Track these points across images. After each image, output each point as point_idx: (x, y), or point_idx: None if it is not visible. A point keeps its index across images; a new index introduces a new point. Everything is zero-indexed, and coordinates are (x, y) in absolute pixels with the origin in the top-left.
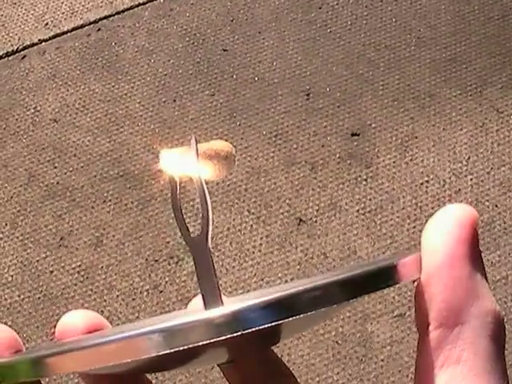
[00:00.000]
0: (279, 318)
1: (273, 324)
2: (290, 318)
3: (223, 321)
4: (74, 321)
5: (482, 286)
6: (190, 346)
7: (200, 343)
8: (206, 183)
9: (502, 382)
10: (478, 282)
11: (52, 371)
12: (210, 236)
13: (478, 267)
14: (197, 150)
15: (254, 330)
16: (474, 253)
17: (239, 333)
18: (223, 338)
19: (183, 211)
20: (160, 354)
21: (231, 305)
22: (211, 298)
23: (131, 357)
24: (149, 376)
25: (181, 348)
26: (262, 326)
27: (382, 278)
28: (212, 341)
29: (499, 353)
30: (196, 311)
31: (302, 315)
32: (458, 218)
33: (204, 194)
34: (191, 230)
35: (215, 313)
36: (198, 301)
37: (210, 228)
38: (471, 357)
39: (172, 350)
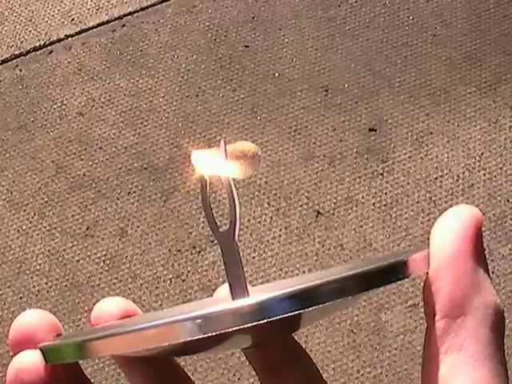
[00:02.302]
0: (300, 307)
1: (294, 313)
2: (310, 308)
3: (251, 310)
4: (109, 307)
5: (485, 280)
6: (221, 331)
7: (230, 329)
8: (234, 181)
9: (500, 367)
10: (481, 277)
11: (95, 354)
12: (237, 231)
13: (481, 263)
14: (225, 151)
15: (277, 318)
16: (478, 250)
17: (264, 320)
18: (250, 325)
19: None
20: (195, 338)
21: (257, 295)
22: (238, 287)
23: (169, 341)
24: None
25: (213, 333)
26: (285, 315)
27: (393, 272)
28: (241, 327)
29: (498, 342)
30: (224, 301)
31: (320, 305)
32: (463, 219)
33: (232, 191)
34: (218, 224)
35: (244, 302)
36: (223, 289)
37: (238, 224)
38: (472, 344)
39: (206, 335)
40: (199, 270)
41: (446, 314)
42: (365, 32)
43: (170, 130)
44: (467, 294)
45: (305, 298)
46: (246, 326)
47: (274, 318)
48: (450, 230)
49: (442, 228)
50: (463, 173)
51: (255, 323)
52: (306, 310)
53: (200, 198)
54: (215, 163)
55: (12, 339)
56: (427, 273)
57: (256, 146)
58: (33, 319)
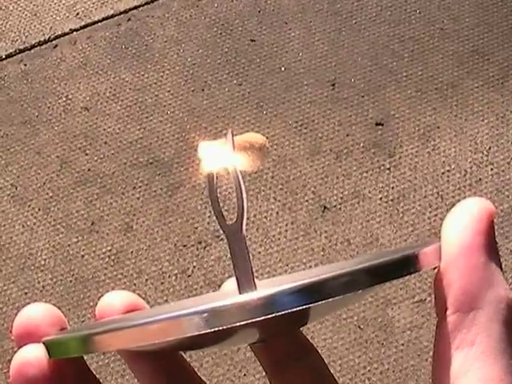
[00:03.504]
0: (310, 301)
1: (304, 307)
2: (320, 302)
3: (260, 304)
4: (115, 301)
5: (497, 274)
6: (229, 326)
7: (238, 324)
8: (241, 174)
9: None
10: (493, 270)
11: (101, 348)
12: (244, 224)
13: (493, 257)
14: (233, 142)
15: (286, 312)
16: (490, 243)
17: (273, 315)
18: (259, 319)
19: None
20: (202, 332)
21: (266, 289)
22: (245, 281)
23: (176, 335)
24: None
25: (221, 328)
26: (294, 309)
27: (405, 265)
28: (249, 321)
29: (511, 336)
30: (232, 294)
31: (330, 299)
32: (475, 211)
33: (239, 184)
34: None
35: (253, 296)
36: (230, 283)
37: (245, 216)
38: (485, 340)
39: (213, 330)
40: (205, 266)
41: (458, 309)
42: (371, 26)
43: (175, 124)
44: (479, 288)
45: (315, 292)
46: (254, 320)
47: (284, 313)
48: (462, 222)
49: (453, 221)
50: (471, 167)
51: (264, 317)
52: (317, 303)
53: (207, 190)
54: (223, 154)
55: (16, 333)
56: (438, 266)
57: (264, 137)
58: (36, 313)
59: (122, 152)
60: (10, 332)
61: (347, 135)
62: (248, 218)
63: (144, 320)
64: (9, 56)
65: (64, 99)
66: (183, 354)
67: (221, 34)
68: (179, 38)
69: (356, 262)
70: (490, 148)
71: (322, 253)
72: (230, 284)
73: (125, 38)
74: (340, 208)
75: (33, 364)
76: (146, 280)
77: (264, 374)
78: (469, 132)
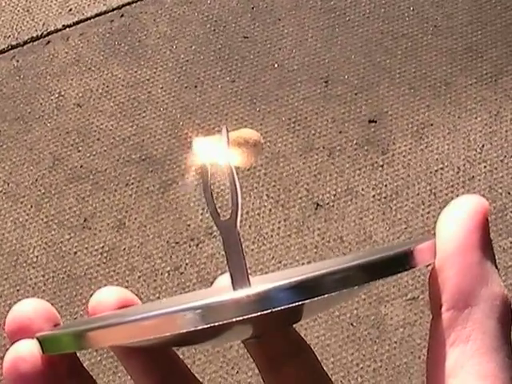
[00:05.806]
0: (305, 297)
1: (299, 303)
2: (315, 298)
3: (255, 300)
4: (107, 297)
5: (492, 271)
6: (224, 322)
7: (233, 319)
8: (236, 170)
9: (507, 360)
10: (488, 268)
11: (95, 344)
12: (239, 220)
13: (488, 254)
14: (228, 138)
15: (281, 308)
16: (485, 241)
17: (268, 311)
18: (254, 315)
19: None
20: (197, 328)
21: (261, 285)
22: (239, 278)
23: (170, 331)
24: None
25: (216, 324)
26: (290, 305)
27: (400, 262)
28: (244, 317)
29: (506, 334)
30: (226, 290)
31: (325, 295)
32: (470, 209)
33: (234, 180)
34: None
35: (248, 292)
36: (223, 279)
37: (239, 212)
38: (479, 336)
39: (207, 326)
40: (197, 263)
41: (453, 306)
42: (365, 23)
43: (168, 121)
44: (474, 284)
45: (310, 288)
46: (249, 316)
47: (279, 308)
48: (457, 220)
49: (448, 218)
50: (464, 165)
51: (259, 313)
52: (311, 300)
53: (201, 187)
54: (217, 150)
55: (8, 328)
56: (433, 264)
57: (258, 133)
58: (29, 308)
59: (114, 149)
60: (3, 329)
61: (340, 132)
62: (241, 215)
63: (139, 316)
64: (1, 52)
65: (56, 96)
66: (176, 351)
67: (214, 30)
68: (172, 34)
69: (350, 258)
70: (483, 145)
71: (314, 250)
72: (223, 280)
73: (118, 35)
74: (333, 205)
75: (26, 360)
76: (139, 277)
77: (256, 371)
78: (462, 129)
